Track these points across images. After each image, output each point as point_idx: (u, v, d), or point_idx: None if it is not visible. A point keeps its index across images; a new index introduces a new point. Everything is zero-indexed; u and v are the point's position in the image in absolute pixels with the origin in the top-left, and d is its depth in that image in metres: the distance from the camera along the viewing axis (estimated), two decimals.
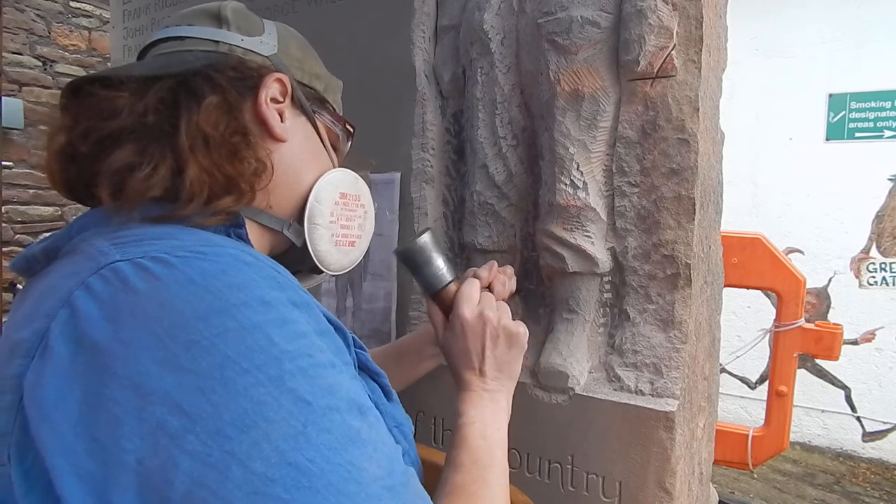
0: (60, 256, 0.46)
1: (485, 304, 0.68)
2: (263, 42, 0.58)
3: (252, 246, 0.52)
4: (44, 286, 0.43)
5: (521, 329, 0.68)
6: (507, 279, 0.76)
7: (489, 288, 0.74)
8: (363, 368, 0.50)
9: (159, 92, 0.49)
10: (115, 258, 0.40)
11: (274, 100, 0.56)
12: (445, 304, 0.70)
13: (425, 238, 0.70)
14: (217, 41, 0.56)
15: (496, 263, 0.76)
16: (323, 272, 0.63)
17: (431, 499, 0.44)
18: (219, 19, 0.57)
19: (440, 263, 0.70)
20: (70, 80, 0.52)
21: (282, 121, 0.56)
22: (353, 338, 0.49)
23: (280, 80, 0.56)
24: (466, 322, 0.66)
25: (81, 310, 0.37)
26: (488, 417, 0.62)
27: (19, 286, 2.76)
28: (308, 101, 0.60)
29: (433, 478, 0.54)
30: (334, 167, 0.63)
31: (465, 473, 0.55)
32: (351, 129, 0.68)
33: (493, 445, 0.59)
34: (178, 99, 0.49)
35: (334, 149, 0.65)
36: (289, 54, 0.60)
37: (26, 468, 0.36)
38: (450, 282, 0.71)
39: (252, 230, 0.54)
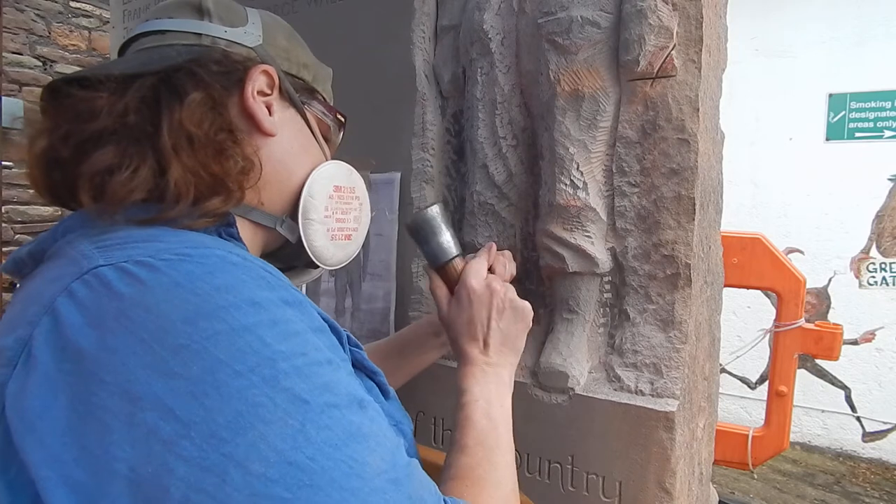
0: (46, 259, 0.45)
1: (492, 278, 0.68)
2: (248, 32, 0.56)
3: (245, 245, 0.51)
4: (29, 291, 0.42)
5: (528, 305, 0.67)
6: (506, 261, 0.75)
7: (490, 270, 0.74)
8: (359, 367, 0.49)
9: (140, 90, 0.47)
10: (99, 263, 0.39)
11: (261, 93, 0.54)
12: (450, 278, 0.69)
13: (435, 209, 0.70)
14: (199, 34, 0.54)
15: (495, 245, 0.76)
16: (319, 267, 0.62)
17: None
18: (200, 10, 0.55)
19: (448, 237, 0.70)
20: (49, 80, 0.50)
21: (270, 114, 0.54)
22: (347, 336, 0.48)
23: (267, 72, 0.54)
24: (474, 291, 0.66)
25: (64, 317, 0.36)
26: (492, 394, 0.61)
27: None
28: (297, 93, 0.58)
29: (433, 479, 0.54)
30: (327, 159, 0.62)
31: (471, 456, 0.54)
32: (342, 119, 0.66)
33: (498, 424, 0.58)
34: (159, 97, 0.47)
35: (326, 140, 0.63)
36: (275, 44, 0.58)
37: (10, 479, 0.36)
38: (456, 256, 0.70)
39: (244, 228, 0.53)
